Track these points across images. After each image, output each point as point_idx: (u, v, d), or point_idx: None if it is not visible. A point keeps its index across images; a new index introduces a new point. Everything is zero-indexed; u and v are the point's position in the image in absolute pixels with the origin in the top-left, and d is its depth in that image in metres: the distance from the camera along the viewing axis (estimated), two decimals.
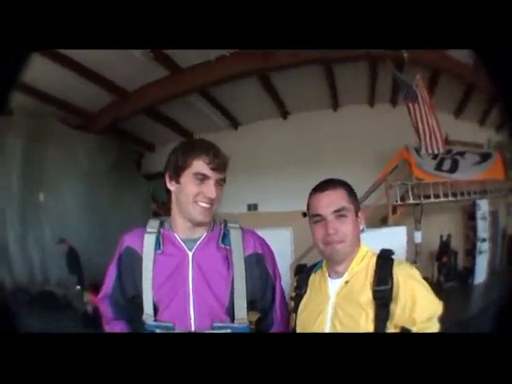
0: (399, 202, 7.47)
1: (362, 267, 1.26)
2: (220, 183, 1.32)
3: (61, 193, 7.72)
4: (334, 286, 1.28)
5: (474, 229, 8.52)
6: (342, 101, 8.09)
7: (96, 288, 5.59)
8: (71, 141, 7.88)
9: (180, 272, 1.33)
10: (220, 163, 1.30)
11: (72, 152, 7.94)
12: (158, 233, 1.37)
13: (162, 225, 1.39)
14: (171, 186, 1.35)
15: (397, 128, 7.61)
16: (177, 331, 1.31)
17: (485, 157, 9.06)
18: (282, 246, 8.00)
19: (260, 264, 1.41)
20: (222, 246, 1.38)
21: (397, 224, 7.33)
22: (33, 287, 7.24)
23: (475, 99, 8.62)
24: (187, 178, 1.29)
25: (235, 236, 1.39)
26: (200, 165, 1.28)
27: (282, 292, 1.48)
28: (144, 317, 1.36)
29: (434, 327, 1.26)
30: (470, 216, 8.63)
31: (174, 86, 7.12)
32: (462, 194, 8.16)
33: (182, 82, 7.02)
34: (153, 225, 1.39)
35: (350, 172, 7.38)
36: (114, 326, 1.45)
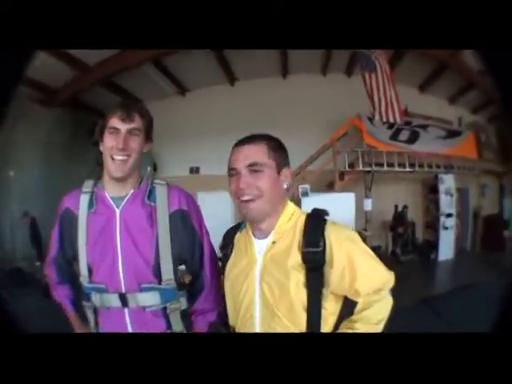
0: (347, 169, 7.30)
1: (290, 226, 1.17)
2: (134, 133, 1.32)
3: (24, 167, 7.95)
4: (260, 246, 1.19)
5: (436, 202, 8.27)
6: (293, 69, 8.08)
7: None
8: (34, 115, 8.14)
9: (109, 231, 1.34)
10: (128, 113, 1.30)
11: (34, 126, 8.21)
12: (92, 192, 1.39)
13: (95, 185, 1.41)
14: (101, 147, 1.37)
15: (350, 98, 7.55)
16: (109, 292, 1.32)
17: (453, 133, 8.91)
18: (224, 208, 7.95)
19: (185, 221, 1.38)
20: (148, 202, 1.37)
21: (344, 190, 7.19)
22: (3, 265, 7.39)
23: (447, 77, 8.47)
24: (106, 134, 1.33)
25: (160, 192, 1.39)
26: (112, 120, 1.31)
27: (212, 251, 1.45)
28: (81, 279, 1.36)
29: (385, 302, 1.19)
30: (432, 189, 8.38)
31: (130, 57, 7.31)
32: (422, 166, 7.96)
33: (136, 53, 7.20)
34: (88, 185, 1.41)
35: (297, 139, 7.42)
36: (59, 290, 1.47)
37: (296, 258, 1.11)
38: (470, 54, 7.52)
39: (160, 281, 1.33)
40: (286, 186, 1.19)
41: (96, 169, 1.49)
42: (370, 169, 7.34)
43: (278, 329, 1.12)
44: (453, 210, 8.36)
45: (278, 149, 1.18)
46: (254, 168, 1.13)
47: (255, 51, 7.22)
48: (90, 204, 1.36)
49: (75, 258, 1.37)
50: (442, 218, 8.18)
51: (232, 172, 1.16)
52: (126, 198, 1.36)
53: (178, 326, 1.38)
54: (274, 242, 1.16)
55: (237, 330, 1.22)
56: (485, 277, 6.70)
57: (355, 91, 7.33)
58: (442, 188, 8.20)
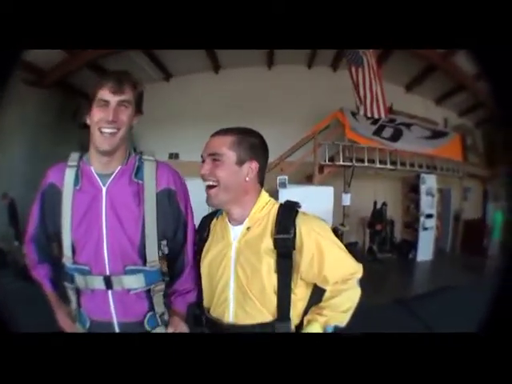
0: (327, 162, 7.28)
1: (264, 215, 1.25)
2: (123, 104, 1.26)
3: (8, 148, 7.88)
4: (235, 232, 1.26)
5: (416, 202, 8.26)
6: (279, 59, 8.05)
7: None
8: (22, 96, 8.09)
9: (94, 210, 1.28)
10: (119, 85, 1.25)
11: (22, 107, 8.16)
12: (78, 167, 1.33)
13: (81, 158, 1.35)
14: (88, 120, 1.31)
15: (335, 92, 7.53)
16: (93, 274, 1.28)
17: (438, 134, 8.92)
18: (201, 194, 7.93)
19: (172, 200, 1.36)
20: (135, 180, 1.32)
21: (323, 184, 7.16)
22: None
23: (435, 78, 8.48)
24: (94, 107, 1.28)
25: (148, 170, 1.34)
26: (102, 92, 1.26)
27: (194, 232, 1.43)
28: (64, 259, 1.31)
29: (353, 291, 1.27)
30: (412, 188, 8.37)
31: None
32: (404, 164, 7.92)
33: None
34: (73, 158, 1.35)
35: (279, 129, 7.40)
36: (39, 270, 1.40)
37: (268, 243, 1.19)
38: (462, 57, 7.56)
39: (145, 262, 1.30)
40: (247, 179, 1.23)
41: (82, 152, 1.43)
42: (350, 164, 7.31)
43: (250, 311, 1.20)
44: (433, 211, 8.33)
45: (244, 142, 1.23)
46: (214, 157, 1.21)
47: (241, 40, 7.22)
48: (76, 180, 1.30)
49: (57, 236, 1.31)
50: (422, 219, 8.15)
51: (202, 159, 1.25)
52: (113, 176, 1.31)
53: (160, 308, 1.36)
54: (248, 228, 1.24)
55: (211, 312, 1.29)
56: (462, 280, 6.71)
57: (340, 85, 7.31)
58: (423, 188, 8.17)
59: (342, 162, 7.31)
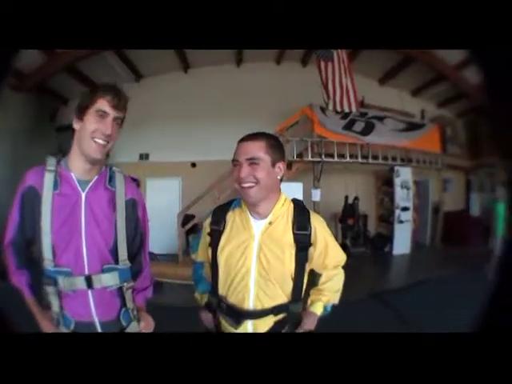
0: (296, 158, 7.29)
1: (283, 212, 1.42)
2: (117, 121, 1.36)
3: None
4: (257, 225, 1.42)
5: (390, 195, 8.22)
6: (246, 57, 8.06)
7: None
8: (4, 101, 8.23)
9: (74, 214, 1.36)
10: (120, 102, 1.35)
11: (4, 112, 8.30)
12: (56, 172, 1.37)
13: (58, 163, 1.40)
14: (77, 124, 1.36)
15: (305, 87, 7.49)
16: (74, 275, 1.35)
17: (414, 126, 8.85)
18: (171, 195, 8.01)
19: (134, 208, 1.50)
20: (109, 187, 1.43)
21: (291, 180, 7.19)
22: None
23: (411, 70, 8.40)
24: (90, 115, 1.33)
25: (119, 179, 1.46)
26: (102, 102, 1.32)
27: (148, 237, 1.60)
28: (44, 263, 1.34)
29: (341, 275, 1.55)
30: (386, 181, 8.33)
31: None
32: (376, 157, 7.89)
33: None
34: (51, 162, 1.39)
35: (248, 127, 7.42)
36: (18, 276, 1.41)
37: (289, 237, 1.38)
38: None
39: (117, 261, 1.41)
40: (279, 177, 1.42)
41: (59, 156, 1.42)
42: (319, 159, 7.31)
43: (271, 294, 1.38)
44: (409, 204, 8.29)
45: (273, 146, 1.39)
46: (252, 161, 1.35)
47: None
48: (55, 184, 1.35)
49: (37, 240, 1.35)
50: (398, 212, 8.13)
51: (235, 163, 1.38)
52: (92, 183, 1.40)
53: (131, 304, 1.46)
54: (270, 223, 1.41)
55: (228, 298, 1.44)
56: (440, 272, 6.66)
57: (310, 80, 7.26)
58: (397, 181, 8.13)
59: (310, 158, 7.32)
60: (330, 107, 7.22)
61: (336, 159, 7.46)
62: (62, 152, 1.42)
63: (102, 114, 1.32)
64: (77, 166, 1.38)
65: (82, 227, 1.35)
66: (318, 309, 1.48)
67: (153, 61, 7.74)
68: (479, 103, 7.09)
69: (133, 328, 1.45)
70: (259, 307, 1.38)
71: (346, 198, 7.92)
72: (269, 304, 1.38)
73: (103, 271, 1.37)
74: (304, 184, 6.87)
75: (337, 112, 7.43)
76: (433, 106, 9.67)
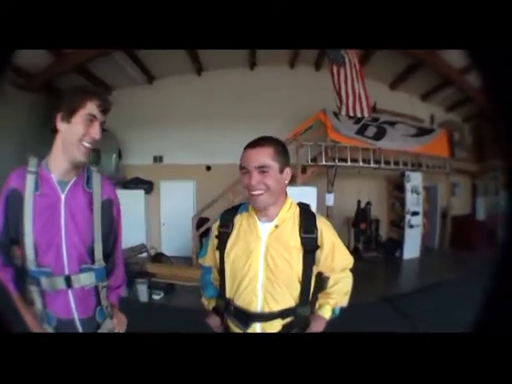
0: (310, 163, 7.30)
1: (290, 215, 1.44)
2: (102, 125, 1.39)
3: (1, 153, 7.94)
4: (264, 228, 1.43)
5: (401, 200, 8.26)
6: (260, 60, 8.05)
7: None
8: (11, 100, 8.14)
9: (54, 215, 1.38)
10: (107, 106, 1.37)
11: (13, 111, 8.21)
12: (37, 173, 1.38)
13: (39, 164, 1.40)
14: (61, 126, 1.35)
15: (318, 92, 7.49)
16: (55, 276, 1.37)
17: (424, 131, 8.89)
18: (186, 198, 8.00)
19: (110, 208, 1.51)
20: (87, 189, 1.45)
21: (306, 184, 7.20)
22: None
23: (421, 75, 8.43)
24: (78, 118, 1.33)
25: (96, 180, 1.47)
26: (91, 106, 1.33)
27: (121, 237, 1.61)
28: (27, 263, 1.37)
29: (349, 277, 1.56)
30: (397, 186, 8.37)
31: None
32: (388, 162, 7.93)
33: None
34: (33, 163, 1.39)
35: (261, 131, 7.41)
36: (4, 273, 1.44)
37: (296, 240, 1.39)
38: (447, 52, 7.51)
39: (93, 261, 1.43)
40: (286, 182, 1.44)
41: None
42: (333, 163, 7.33)
43: (278, 297, 1.38)
44: (419, 209, 8.35)
45: (281, 152, 1.41)
46: (261, 169, 1.35)
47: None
48: (36, 186, 1.36)
49: (20, 240, 1.37)
50: (408, 216, 8.17)
51: (244, 170, 1.39)
52: (70, 184, 1.41)
53: (105, 302, 1.50)
54: (276, 226, 1.42)
55: (235, 301, 1.45)
56: (450, 275, 6.72)
57: (323, 84, 7.28)
58: (408, 186, 8.18)
59: (324, 162, 7.33)
60: (343, 112, 7.24)
61: (349, 164, 7.48)
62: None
63: (91, 119, 1.33)
64: (58, 167, 1.38)
65: (62, 228, 1.37)
66: (326, 312, 1.48)
67: (165, 63, 7.71)
68: (483, 107, 7.21)
69: (107, 325, 1.49)
70: (267, 310, 1.38)
71: (359, 202, 7.94)
72: (276, 307, 1.38)
73: (81, 271, 1.40)
74: (318, 188, 6.86)
75: (349, 117, 7.45)
76: (441, 110, 9.70)
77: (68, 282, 1.38)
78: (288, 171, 1.44)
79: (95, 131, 1.34)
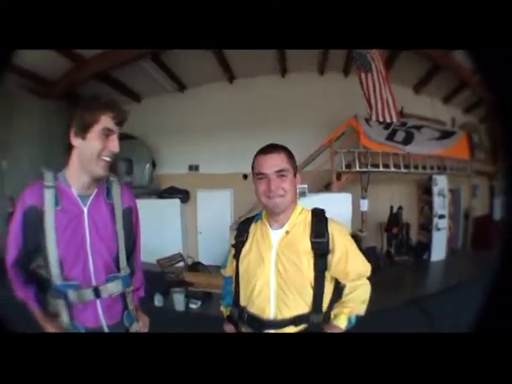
0: (344, 169, 7.35)
1: (300, 220, 1.44)
2: (119, 137, 1.37)
3: (21, 160, 7.81)
4: (275, 235, 1.45)
5: (429, 203, 8.36)
6: (291, 67, 8.05)
7: None
8: (32, 107, 8.00)
9: (78, 229, 1.37)
10: (123, 118, 1.35)
11: (32, 118, 8.07)
12: (55, 187, 1.36)
13: (56, 178, 1.38)
14: (76, 141, 1.34)
15: (348, 98, 7.55)
16: (83, 288, 1.38)
17: (447, 134, 8.99)
18: (223, 207, 7.97)
19: (131, 216, 1.54)
20: (108, 200, 1.46)
21: (341, 190, 7.24)
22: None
23: (441, 77, 8.53)
24: (94, 133, 1.30)
25: (116, 190, 1.48)
26: (106, 120, 1.31)
27: (140, 239, 1.64)
28: (52, 277, 1.36)
29: (366, 286, 1.52)
30: (426, 190, 8.47)
31: (127, 51, 7.20)
32: (417, 167, 8.02)
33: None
34: (49, 178, 1.37)
35: (294, 137, 7.39)
36: (25, 292, 1.44)
37: (306, 245, 1.38)
38: (461, 54, 7.62)
39: (119, 269, 1.46)
40: (297, 187, 1.47)
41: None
42: (366, 169, 7.39)
43: (290, 304, 1.37)
44: (445, 211, 8.46)
45: (292, 157, 1.46)
46: (281, 173, 1.39)
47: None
48: (56, 200, 1.35)
49: (43, 256, 1.37)
50: (436, 219, 8.28)
51: (261, 176, 1.42)
52: (92, 197, 1.42)
53: (131, 305, 1.54)
54: (287, 232, 1.43)
55: (249, 309, 1.44)
56: (474, 276, 6.84)
57: (352, 90, 7.33)
58: (435, 189, 8.27)
59: (358, 169, 7.38)
60: (373, 118, 7.31)
61: (381, 169, 7.54)
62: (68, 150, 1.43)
63: (109, 132, 1.32)
64: (77, 181, 1.38)
65: (87, 241, 1.39)
66: (341, 322, 1.44)
67: (196, 71, 7.66)
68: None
69: (134, 328, 1.53)
70: (280, 317, 1.38)
71: (391, 207, 8.01)
72: (289, 314, 1.37)
73: (108, 280, 1.43)
74: (352, 194, 6.93)
75: (379, 122, 7.52)
76: (460, 112, 9.84)
77: (96, 292, 1.41)
78: (298, 176, 1.48)
79: (113, 145, 1.33)
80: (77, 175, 1.37)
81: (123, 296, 1.50)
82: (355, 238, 7.10)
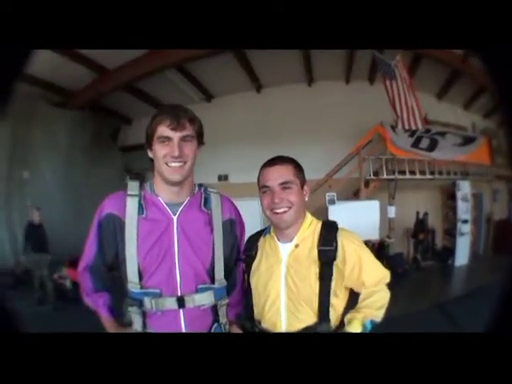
0: (372, 177, 7.41)
1: (309, 233, 1.40)
2: (187, 139, 1.34)
3: (42, 170, 7.85)
4: (284, 249, 1.40)
5: (453, 209, 8.41)
6: (317, 76, 8.12)
7: (72, 263, 5.63)
8: (53, 118, 8.04)
9: (166, 237, 1.36)
10: (180, 121, 1.32)
11: (53, 129, 8.11)
12: (140, 195, 1.38)
13: (142, 187, 1.41)
14: (150, 154, 1.38)
15: (373, 105, 7.60)
16: (164, 296, 1.35)
17: (468, 140, 9.03)
18: (252, 216, 7.94)
19: (232, 229, 1.49)
20: (205, 210, 1.43)
21: (369, 198, 7.30)
22: (18, 268, 7.04)
23: (461, 83, 8.58)
24: (155, 143, 1.34)
25: (215, 201, 1.46)
26: (162, 129, 1.32)
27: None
28: (129, 285, 1.36)
29: (384, 292, 1.43)
30: (450, 196, 8.53)
31: (152, 62, 7.23)
32: (441, 173, 8.10)
33: (159, 59, 7.12)
34: (133, 187, 1.40)
35: (321, 146, 7.48)
36: (97, 298, 1.44)
37: (314, 255, 1.35)
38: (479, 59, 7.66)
39: (213, 281, 1.42)
40: (306, 199, 1.43)
41: (127, 176, 1.48)
42: (393, 176, 7.44)
43: (301, 317, 1.34)
44: (468, 216, 8.50)
45: (299, 169, 1.42)
46: (285, 186, 1.36)
47: (281, 58, 7.23)
48: (140, 208, 1.37)
49: (117, 263, 1.39)
50: (459, 224, 8.32)
51: (265, 189, 1.39)
52: (183, 205, 1.40)
53: (224, 319, 1.47)
54: (296, 245, 1.39)
55: (262, 323, 1.42)
56: (496, 280, 6.87)
57: (377, 98, 7.40)
58: (459, 194, 8.32)
59: (385, 176, 7.44)
60: (400, 126, 7.37)
61: (408, 176, 7.60)
62: (129, 170, 1.45)
63: (166, 140, 1.33)
64: (163, 190, 1.40)
65: (175, 250, 1.36)
66: (354, 328, 1.33)
67: (222, 80, 7.71)
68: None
69: None
70: (291, 331, 1.35)
71: (417, 213, 8.06)
72: (300, 327, 1.34)
73: (197, 291, 1.38)
74: (380, 201, 6.97)
75: (405, 130, 7.58)
76: (479, 118, 9.89)
77: (180, 302, 1.37)
78: (306, 188, 1.44)
79: (172, 150, 1.31)
80: (160, 184, 1.39)
81: (215, 308, 1.44)
82: (382, 244, 7.16)
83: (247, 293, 1.49)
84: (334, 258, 1.34)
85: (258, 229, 1.55)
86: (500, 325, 0.91)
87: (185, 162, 1.34)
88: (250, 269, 1.47)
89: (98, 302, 1.44)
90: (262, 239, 1.50)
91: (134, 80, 7.79)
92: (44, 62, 6.42)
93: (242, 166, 7.62)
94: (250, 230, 1.60)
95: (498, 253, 8.91)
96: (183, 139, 1.33)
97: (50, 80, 7.47)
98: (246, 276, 1.51)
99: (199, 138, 1.40)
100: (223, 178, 8.17)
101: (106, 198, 1.42)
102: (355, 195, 7.52)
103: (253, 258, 1.47)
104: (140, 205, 1.37)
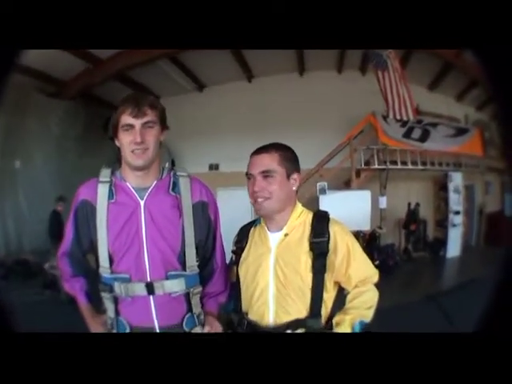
0: (363, 166, 7.41)
1: (300, 222, 1.39)
2: (148, 125, 1.35)
3: (34, 161, 7.82)
4: (274, 238, 1.39)
5: (445, 200, 8.43)
6: (309, 66, 8.11)
7: None
8: (45, 108, 8.01)
9: (133, 221, 1.36)
10: (140, 109, 1.32)
11: (45, 119, 8.08)
12: (110, 182, 1.39)
13: (113, 174, 1.42)
14: (117, 142, 1.39)
15: (365, 95, 7.61)
16: (133, 282, 1.35)
17: (461, 131, 9.05)
18: (243, 205, 7.96)
19: (204, 212, 1.46)
20: (173, 193, 1.42)
21: (360, 188, 7.30)
22: (9, 258, 7.09)
23: (454, 75, 8.58)
24: (119, 131, 1.35)
25: (184, 184, 1.44)
26: (124, 117, 1.33)
27: (221, 240, 1.55)
28: (100, 270, 1.37)
29: (372, 292, 1.40)
30: (442, 187, 8.55)
31: (145, 52, 7.20)
32: (433, 163, 8.12)
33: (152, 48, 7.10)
34: (105, 174, 1.41)
35: (313, 136, 7.47)
36: (74, 283, 1.46)
37: (305, 246, 1.33)
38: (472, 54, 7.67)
39: (184, 267, 1.40)
40: (294, 189, 1.40)
41: (116, 164, 1.45)
42: (384, 167, 7.45)
43: (289, 309, 1.32)
44: (460, 208, 8.52)
45: (288, 158, 1.38)
46: (266, 174, 1.34)
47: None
48: (110, 194, 1.38)
49: (93, 249, 1.40)
50: (451, 216, 8.34)
51: (249, 176, 1.38)
52: (150, 189, 1.40)
53: (197, 309, 1.45)
54: (286, 235, 1.38)
55: (249, 315, 1.39)
56: (489, 272, 6.89)
57: (369, 88, 7.41)
58: (451, 186, 8.34)
59: (377, 166, 7.45)
60: (391, 115, 7.38)
61: (399, 166, 7.61)
62: (119, 161, 1.46)
63: (129, 127, 1.33)
64: (129, 175, 1.40)
65: (143, 234, 1.36)
66: (343, 330, 1.30)
67: (214, 70, 7.70)
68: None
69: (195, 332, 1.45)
70: (278, 323, 1.33)
71: (409, 204, 8.08)
72: (288, 319, 1.32)
73: (168, 277, 1.37)
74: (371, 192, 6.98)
75: (396, 120, 7.59)
76: (473, 109, 9.90)
77: (149, 288, 1.35)
78: (296, 178, 1.40)
79: (135, 137, 1.32)
80: (127, 170, 1.40)
81: (187, 297, 1.41)
82: (373, 235, 7.17)
83: (236, 285, 1.47)
84: (328, 250, 1.32)
85: (249, 218, 1.54)
86: (491, 317, 0.91)
87: (147, 148, 1.34)
88: (239, 260, 1.45)
89: (75, 287, 1.46)
90: (252, 230, 1.48)
91: (127, 70, 7.76)
92: (36, 52, 6.40)
93: (232, 155, 7.63)
94: (240, 219, 1.59)
95: (490, 245, 8.95)
96: (145, 126, 1.34)
97: (42, 70, 7.44)
98: (236, 268, 1.47)
99: (162, 123, 1.41)
100: (214, 167, 8.15)
101: (81, 185, 1.43)
102: (346, 185, 7.52)
103: (242, 249, 1.46)
104: (110, 190, 1.38)
